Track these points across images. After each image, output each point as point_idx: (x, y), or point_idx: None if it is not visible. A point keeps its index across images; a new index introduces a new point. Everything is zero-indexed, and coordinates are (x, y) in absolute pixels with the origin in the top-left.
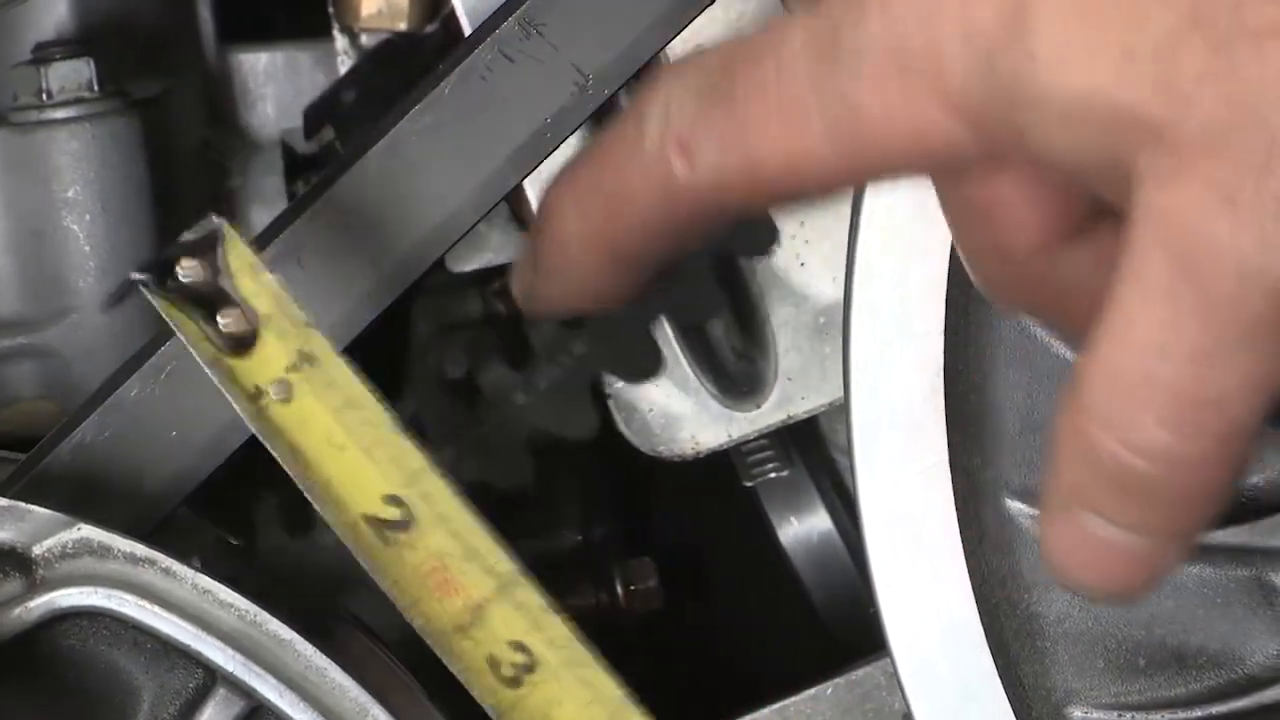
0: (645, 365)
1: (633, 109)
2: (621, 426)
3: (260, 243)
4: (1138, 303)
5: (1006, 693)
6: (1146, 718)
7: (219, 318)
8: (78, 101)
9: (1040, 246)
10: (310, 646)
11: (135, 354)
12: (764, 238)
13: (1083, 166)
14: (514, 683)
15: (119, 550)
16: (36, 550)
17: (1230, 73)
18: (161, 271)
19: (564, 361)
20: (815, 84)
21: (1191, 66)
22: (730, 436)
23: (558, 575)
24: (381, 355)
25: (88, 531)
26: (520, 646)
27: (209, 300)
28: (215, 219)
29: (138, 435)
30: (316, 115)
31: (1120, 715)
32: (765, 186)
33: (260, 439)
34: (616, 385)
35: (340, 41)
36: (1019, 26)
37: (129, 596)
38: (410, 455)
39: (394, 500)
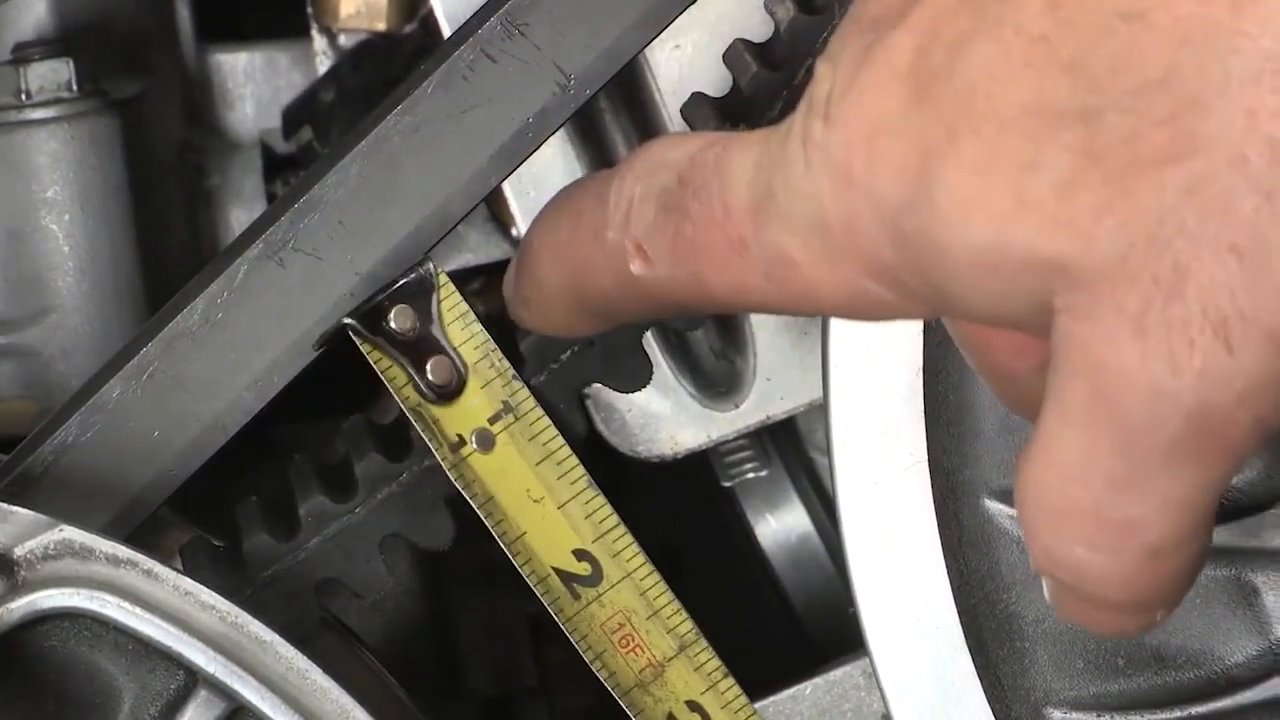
0: (635, 374)
1: (605, 188)
2: (600, 427)
3: (240, 243)
4: (1059, 429)
5: (986, 693)
6: (1126, 718)
7: (427, 365)
8: (57, 102)
9: (1040, 366)
10: (292, 648)
11: (117, 354)
12: None
13: (1006, 315)
14: None
15: (101, 552)
16: (18, 551)
17: (1128, 203)
18: (372, 317)
19: (552, 369)
20: (755, 230)
21: (1090, 202)
22: (709, 437)
23: None
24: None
25: (70, 533)
26: (696, 707)
27: (417, 347)
28: (430, 264)
29: (120, 436)
30: (295, 115)
31: (1100, 715)
32: (713, 302)
33: (457, 486)
34: (595, 385)
35: (319, 41)
36: (922, 187)
37: (111, 598)
38: (602, 512)
39: (584, 555)
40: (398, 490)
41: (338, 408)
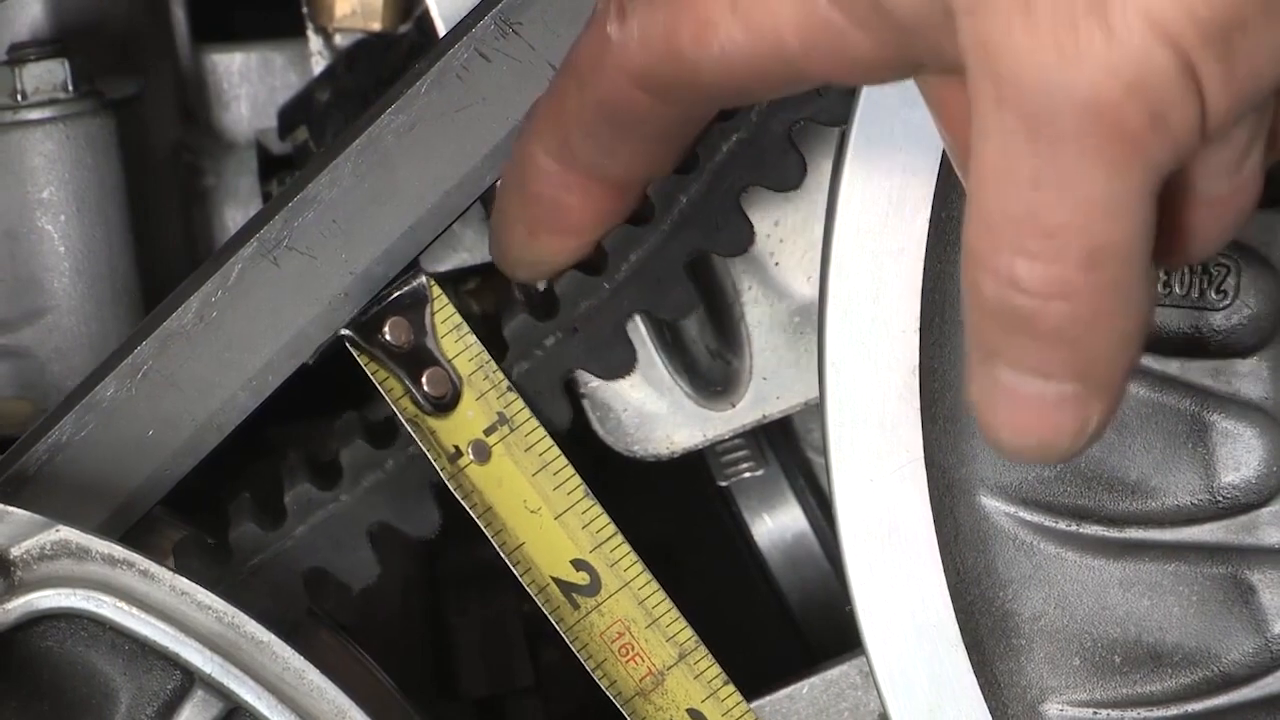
0: (618, 361)
1: None
2: (596, 426)
3: (235, 242)
4: (980, 140)
5: (982, 690)
6: (1122, 715)
7: (423, 378)
8: (52, 103)
9: None
10: (288, 648)
11: (112, 354)
12: (740, 236)
13: (926, 21)
14: None
15: (97, 552)
16: (15, 552)
17: None
18: (368, 329)
19: (536, 355)
20: None
21: None
22: (705, 436)
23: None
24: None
25: (66, 533)
26: (697, 715)
27: (412, 359)
28: (423, 276)
29: (115, 435)
30: (291, 115)
31: (1096, 713)
32: (681, 56)
33: (457, 497)
34: (591, 385)
35: (314, 42)
36: None
37: (107, 598)
38: (599, 522)
39: (582, 565)
40: (383, 477)
41: (334, 409)
